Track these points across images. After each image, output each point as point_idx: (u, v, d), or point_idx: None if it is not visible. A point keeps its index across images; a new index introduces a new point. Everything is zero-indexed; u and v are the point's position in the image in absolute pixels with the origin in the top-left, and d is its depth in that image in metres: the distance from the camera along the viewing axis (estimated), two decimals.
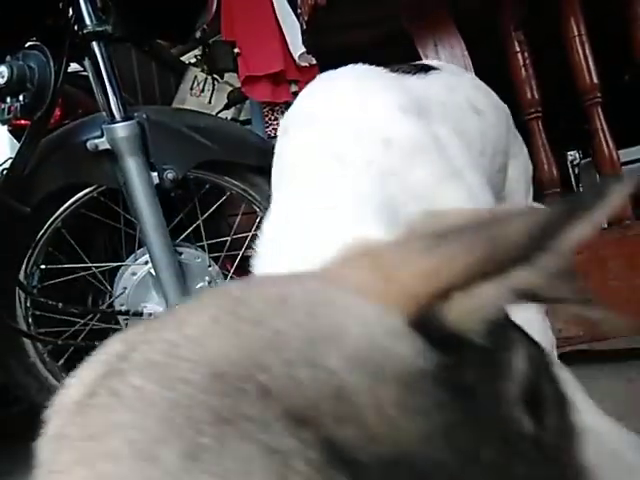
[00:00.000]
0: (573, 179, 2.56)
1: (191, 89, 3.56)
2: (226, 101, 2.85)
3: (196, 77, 3.52)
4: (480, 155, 0.62)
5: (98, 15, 0.96)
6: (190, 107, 3.31)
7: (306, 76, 2.16)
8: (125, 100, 1.06)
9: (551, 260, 0.19)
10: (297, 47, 2.09)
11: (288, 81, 2.18)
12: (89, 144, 1.03)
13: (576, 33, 1.11)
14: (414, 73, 0.63)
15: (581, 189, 2.25)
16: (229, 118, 2.90)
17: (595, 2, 1.11)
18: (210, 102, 3.11)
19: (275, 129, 2.32)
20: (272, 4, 2.12)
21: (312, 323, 0.19)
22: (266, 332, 0.18)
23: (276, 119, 2.33)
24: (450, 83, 0.66)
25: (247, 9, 2.18)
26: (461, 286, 0.19)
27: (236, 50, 2.23)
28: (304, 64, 2.08)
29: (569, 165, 2.64)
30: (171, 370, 0.18)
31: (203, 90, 3.46)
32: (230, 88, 3.23)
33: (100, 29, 0.95)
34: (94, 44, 0.97)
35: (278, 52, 2.06)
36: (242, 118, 2.90)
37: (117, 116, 1.02)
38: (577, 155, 2.69)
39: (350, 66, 0.60)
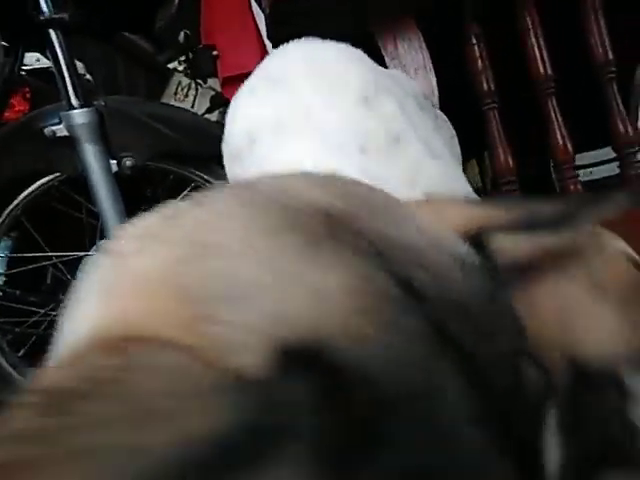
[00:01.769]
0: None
1: (175, 94, 3.59)
2: (208, 105, 2.88)
3: (180, 82, 3.55)
4: None
5: (56, 2, 0.98)
6: None
7: None
8: (90, 88, 1.08)
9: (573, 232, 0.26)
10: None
11: None
12: (46, 131, 1.04)
13: (530, 24, 1.14)
14: None
15: None
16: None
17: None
18: (193, 106, 3.14)
19: None
20: (251, 6, 2.15)
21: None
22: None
23: None
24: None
25: (226, 12, 2.21)
26: (504, 228, 0.25)
27: (215, 52, 2.25)
28: None
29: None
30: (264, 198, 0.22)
31: (187, 95, 3.49)
32: (213, 92, 3.27)
33: (57, 17, 0.96)
34: (52, 32, 0.98)
35: (255, 52, 2.09)
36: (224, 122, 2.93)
37: (75, 103, 1.03)
38: None
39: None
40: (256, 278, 0.18)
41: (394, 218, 0.23)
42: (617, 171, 1.61)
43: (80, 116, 1.03)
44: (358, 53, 0.65)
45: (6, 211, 1.10)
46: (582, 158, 1.59)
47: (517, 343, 0.22)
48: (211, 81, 3.38)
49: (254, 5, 2.07)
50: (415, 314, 0.19)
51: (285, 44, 0.68)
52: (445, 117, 0.86)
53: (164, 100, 3.54)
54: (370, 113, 0.57)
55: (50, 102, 1.41)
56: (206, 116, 2.93)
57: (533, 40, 1.13)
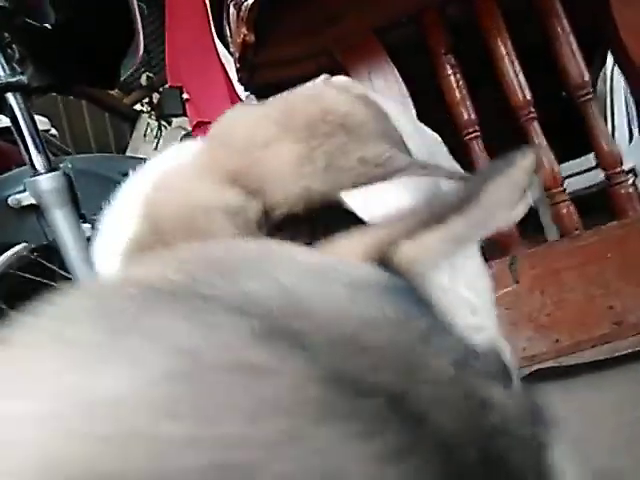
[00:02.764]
0: None
1: (145, 136, 3.54)
2: None
3: (149, 124, 3.51)
4: None
5: (12, 66, 0.92)
6: (144, 154, 3.28)
7: None
8: (55, 144, 1.01)
9: (479, 212, 0.24)
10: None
11: None
12: (10, 200, 0.96)
13: (504, 52, 1.13)
14: None
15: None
16: None
17: (519, 21, 1.13)
18: (156, 149, 3.09)
19: None
20: (216, 47, 2.13)
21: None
22: None
23: None
24: None
25: (191, 54, 2.19)
26: (407, 235, 0.23)
27: (185, 96, 2.22)
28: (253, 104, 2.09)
29: None
30: None
31: (156, 136, 3.44)
32: (183, 132, 3.23)
33: (14, 80, 0.90)
34: (9, 96, 0.92)
35: (225, 96, 2.06)
36: None
37: (40, 168, 0.97)
38: None
39: None
40: None
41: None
42: (595, 181, 1.61)
43: (46, 182, 0.96)
44: None
45: None
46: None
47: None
48: (179, 120, 3.35)
49: (220, 46, 2.05)
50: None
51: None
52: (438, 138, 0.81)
53: (133, 144, 3.48)
54: None
55: (11, 161, 1.34)
56: None
57: (509, 67, 1.12)
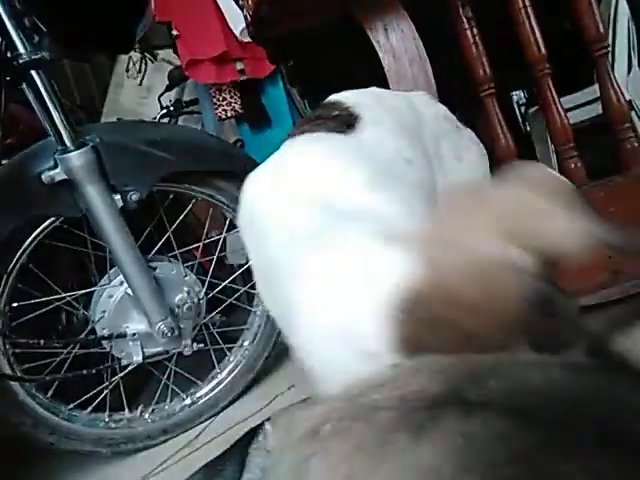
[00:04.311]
0: (520, 120, 2.61)
1: (127, 71, 3.35)
2: (166, 82, 2.71)
3: (130, 57, 3.31)
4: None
5: (32, 41, 0.89)
6: (128, 90, 3.12)
7: (249, 53, 2.08)
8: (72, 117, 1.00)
9: None
10: (237, 23, 2.00)
11: (233, 59, 2.10)
12: (44, 177, 0.98)
13: (521, 5, 1.12)
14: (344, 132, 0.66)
15: (530, 133, 2.30)
16: (172, 99, 2.77)
17: None
18: (141, 84, 2.94)
19: (225, 110, 2.25)
20: None
21: None
22: None
23: (224, 99, 2.25)
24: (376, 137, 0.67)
25: None
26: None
27: (174, 32, 2.11)
28: (247, 40, 2.01)
29: (515, 106, 2.69)
30: None
31: (140, 71, 3.27)
32: (169, 67, 3.06)
33: (37, 56, 0.88)
34: (33, 72, 0.90)
35: (219, 32, 1.97)
36: (187, 98, 2.77)
37: (69, 144, 0.97)
38: (522, 94, 2.74)
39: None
40: None
41: None
42: (594, 113, 1.64)
43: (77, 158, 0.97)
44: (365, 144, 0.65)
45: (13, 260, 1.05)
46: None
47: None
48: (164, 53, 3.15)
49: None
50: None
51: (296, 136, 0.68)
52: (472, 134, 0.86)
53: (115, 79, 3.30)
54: (377, 197, 0.57)
55: (19, 123, 1.32)
56: (165, 94, 2.76)
57: (526, 21, 1.12)
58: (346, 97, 0.74)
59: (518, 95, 2.71)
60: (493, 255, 0.38)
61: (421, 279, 0.39)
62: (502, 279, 0.38)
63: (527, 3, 1.11)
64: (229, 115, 2.23)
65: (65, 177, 0.99)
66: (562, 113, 1.14)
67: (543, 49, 1.13)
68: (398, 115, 0.72)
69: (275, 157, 0.66)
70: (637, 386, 0.25)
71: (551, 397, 0.23)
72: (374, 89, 0.79)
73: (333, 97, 0.76)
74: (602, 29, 1.12)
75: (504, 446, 0.21)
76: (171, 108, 2.63)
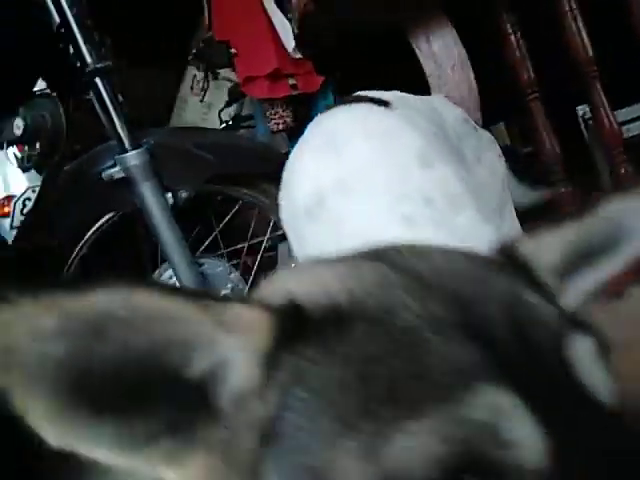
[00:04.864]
0: (585, 134, 2.52)
1: (191, 88, 3.55)
2: (226, 98, 2.85)
3: (195, 76, 3.51)
4: None
5: (98, 51, 0.99)
6: (192, 107, 3.30)
7: (301, 68, 2.16)
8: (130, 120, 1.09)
9: (595, 222, 0.33)
10: (289, 40, 2.09)
11: (285, 75, 2.19)
12: (104, 175, 1.07)
13: (568, 8, 1.11)
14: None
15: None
16: (232, 114, 2.91)
17: None
18: (202, 100, 3.10)
19: (277, 123, 2.34)
20: (261, 1, 2.11)
21: None
22: None
23: (276, 113, 2.34)
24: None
25: (237, 8, 2.18)
26: (531, 235, 0.34)
27: (233, 50, 2.23)
28: (298, 56, 2.09)
29: (580, 120, 2.60)
30: None
31: (203, 89, 3.45)
32: (229, 84, 3.21)
33: (102, 66, 0.98)
34: (97, 80, 1.00)
35: (271, 50, 2.07)
36: (245, 114, 2.91)
37: (127, 145, 1.06)
38: (588, 109, 2.64)
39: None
40: None
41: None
42: None
43: (134, 158, 1.06)
44: (408, 116, 0.66)
45: (74, 252, 1.15)
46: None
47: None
48: (224, 71, 3.32)
49: (267, 2, 2.03)
50: None
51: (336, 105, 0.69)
52: (490, 136, 0.87)
53: (181, 96, 3.51)
54: (428, 175, 0.58)
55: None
56: (225, 110, 2.91)
57: (572, 23, 1.11)
58: (370, 93, 0.76)
59: (583, 109, 2.63)
60: None
61: None
62: None
63: (574, 6, 1.10)
64: (281, 128, 2.32)
65: (122, 175, 1.08)
66: (611, 117, 1.11)
67: (590, 51, 1.11)
68: (422, 113, 0.73)
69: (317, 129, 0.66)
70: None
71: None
72: (396, 92, 0.81)
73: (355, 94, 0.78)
74: None
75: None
76: (230, 122, 2.76)
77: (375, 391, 0.22)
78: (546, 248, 0.32)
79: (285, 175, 0.68)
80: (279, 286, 0.29)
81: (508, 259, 0.31)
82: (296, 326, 0.23)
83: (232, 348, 0.23)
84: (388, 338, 0.23)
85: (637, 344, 0.50)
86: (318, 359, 0.23)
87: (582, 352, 0.25)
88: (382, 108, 0.66)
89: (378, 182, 0.58)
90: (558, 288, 0.32)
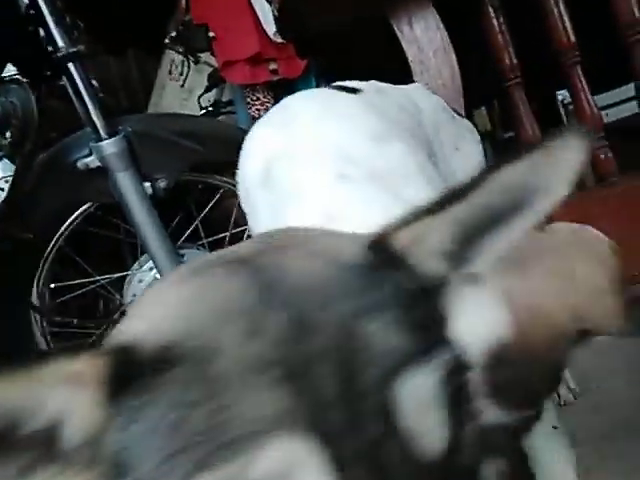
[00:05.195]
0: (565, 119, 2.54)
1: (170, 73, 3.47)
2: (206, 83, 2.79)
3: (173, 60, 3.42)
4: None
5: (70, 35, 0.96)
6: (170, 92, 3.23)
7: (283, 53, 2.12)
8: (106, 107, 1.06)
9: (483, 197, 0.27)
10: (271, 24, 2.05)
11: (266, 60, 2.15)
12: (79, 164, 1.04)
13: None
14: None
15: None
16: (212, 100, 2.85)
17: None
18: (183, 86, 3.03)
19: (258, 109, 2.30)
20: None
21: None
22: None
23: (257, 99, 2.30)
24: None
25: None
26: (409, 222, 0.28)
27: (211, 34, 2.18)
28: (280, 40, 2.05)
29: (559, 105, 2.62)
30: None
31: (182, 73, 3.37)
32: (209, 69, 3.14)
33: (75, 50, 0.94)
34: (70, 65, 0.97)
35: (252, 33, 2.02)
36: (225, 99, 2.85)
37: (103, 133, 1.03)
38: (567, 94, 2.66)
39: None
40: None
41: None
42: (636, 110, 1.59)
43: (110, 146, 1.03)
44: (371, 101, 0.66)
45: (51, 243, 1.12)
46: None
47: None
48: (205, 55, 3.25)
49: None
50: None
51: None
52: (468, 123, 0.86)
53: (159, 82, 3.43)
54: (379, 150, 0.58)
55: None
56: (205, 95, 2.85)
57: (555, 8, 1.10)
58: (347, 83, 0.75)
59: (563, 94, 2.65)
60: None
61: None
62: None
63: None
64: (262, 114, 2.28)
65: (98, 164, 1.05)
66: (591, 102, 1.11)
67: (573, 36, 1.10)
68: (394, 101, 0.73)
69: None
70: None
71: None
72: (374, 82, 0.80)
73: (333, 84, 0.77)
74: (637, 13, 1.09)
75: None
76: (210, 109, 2.71)
77: (179, 442, 0.22)
78: (429, 233, 0.28)
79: (241, 155, 0.67)
80: (131, 319, 0.29)
81: (380, 255, 0.28)
82: (126, 370, 0.24)
83: (65, 402, 0.24)
84: (201, 386, 0.23)
85: (560, 273, 0.53)
86: (145, 402, 0.24)
87: (413, 394, 0.24)
88: (347, 94, 0.65)
89: (324, 149, 0.58)
90: (448, 272, 0.29)
